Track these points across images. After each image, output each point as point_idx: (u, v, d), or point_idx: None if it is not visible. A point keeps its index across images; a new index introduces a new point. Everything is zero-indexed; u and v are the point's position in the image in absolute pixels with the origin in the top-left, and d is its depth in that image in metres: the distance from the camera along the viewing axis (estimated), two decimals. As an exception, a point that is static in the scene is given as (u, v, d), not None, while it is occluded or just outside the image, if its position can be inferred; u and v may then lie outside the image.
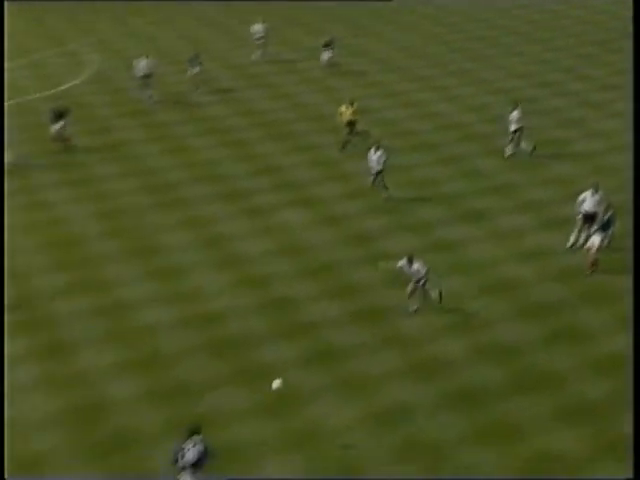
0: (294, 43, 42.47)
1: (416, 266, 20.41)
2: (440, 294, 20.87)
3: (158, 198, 26.87)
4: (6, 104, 31.76)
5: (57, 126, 29.41)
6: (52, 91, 35.38)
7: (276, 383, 17.16)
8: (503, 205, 26.52)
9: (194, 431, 14.77)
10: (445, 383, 18.43)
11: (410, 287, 20.54)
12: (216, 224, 25.44)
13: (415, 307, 20.73)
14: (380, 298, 21.46)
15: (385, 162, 26.76)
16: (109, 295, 21.63)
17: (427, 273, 20.41)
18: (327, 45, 39.13)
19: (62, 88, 35.82)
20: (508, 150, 29.75)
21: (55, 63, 39.49)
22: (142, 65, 34.23)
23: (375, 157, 26.86)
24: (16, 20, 43.99)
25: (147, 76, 34.13)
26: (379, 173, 26.79)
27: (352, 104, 29.88)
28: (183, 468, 14.60)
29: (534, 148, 29.83)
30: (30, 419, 17.30)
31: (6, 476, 15.18)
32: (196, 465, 14.52)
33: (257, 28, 39.80)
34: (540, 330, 20.14)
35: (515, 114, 29.53)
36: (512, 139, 29.71)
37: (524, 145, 29.82)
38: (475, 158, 29.88)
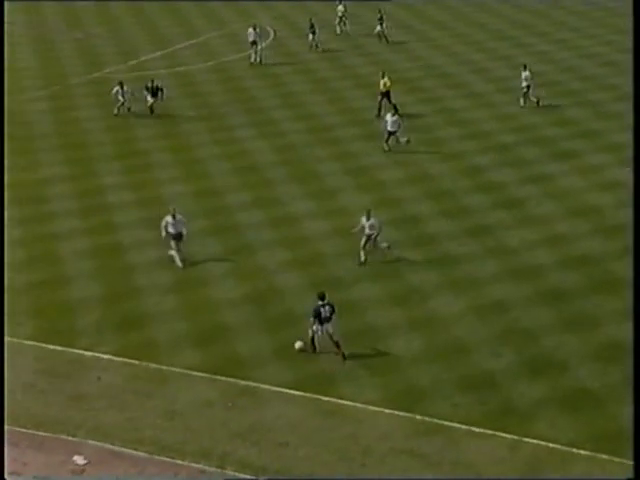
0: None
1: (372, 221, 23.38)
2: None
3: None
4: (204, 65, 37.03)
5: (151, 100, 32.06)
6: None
7: (298, 344, 19.77)
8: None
9: (323, 295, 19.68)
10: (536, 284, 22.12)
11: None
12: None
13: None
14: (483, 218, 25.47)
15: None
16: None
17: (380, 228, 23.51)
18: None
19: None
20: None
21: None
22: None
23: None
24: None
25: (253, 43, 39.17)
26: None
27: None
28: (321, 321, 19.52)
29: None
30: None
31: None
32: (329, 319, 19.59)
33: None
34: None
35: None
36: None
37: None
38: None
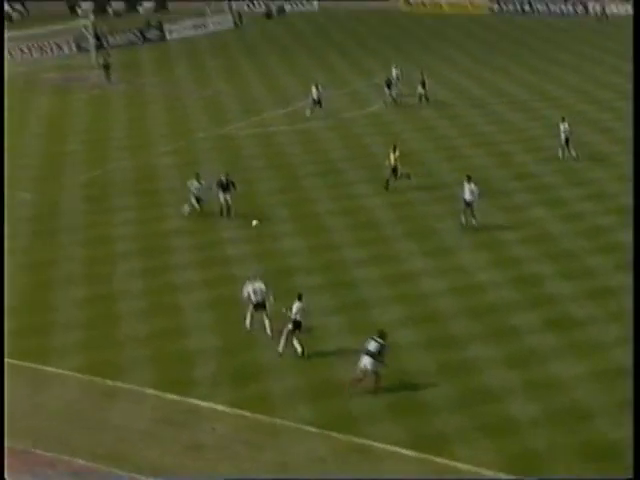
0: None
1: None
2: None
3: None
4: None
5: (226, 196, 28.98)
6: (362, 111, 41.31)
7: (254, 223, 23.24)
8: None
9: (382, 333, 19.94)
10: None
11: None
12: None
13: None
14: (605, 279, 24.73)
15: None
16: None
17: None
18: None
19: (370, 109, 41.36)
20: None
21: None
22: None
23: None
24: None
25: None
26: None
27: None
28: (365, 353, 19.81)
29: None
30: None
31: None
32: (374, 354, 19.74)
33: None
34: None
35: None
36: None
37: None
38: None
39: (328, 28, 63.61)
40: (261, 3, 70.06)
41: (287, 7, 69.51)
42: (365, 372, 19.62)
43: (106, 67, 48.03)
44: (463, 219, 28.18)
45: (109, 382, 20.27)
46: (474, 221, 28.05)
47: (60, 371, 20.71)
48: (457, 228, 28.20)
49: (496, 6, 67.37)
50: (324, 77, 47.60)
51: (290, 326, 21.24)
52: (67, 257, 26.75)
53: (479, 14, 66.61)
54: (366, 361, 19.66)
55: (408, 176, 31.06)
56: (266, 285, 22.24)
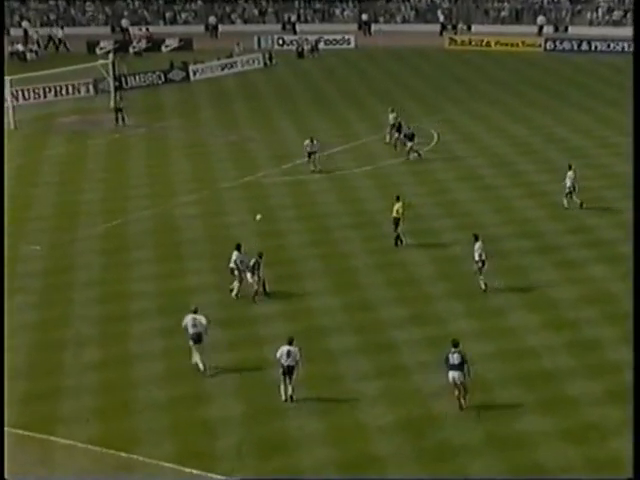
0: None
1: None
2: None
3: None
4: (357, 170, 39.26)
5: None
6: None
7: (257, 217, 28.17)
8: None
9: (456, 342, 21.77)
10: None
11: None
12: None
13: None
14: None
15: None
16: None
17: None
18: None
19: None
20: None
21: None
22: None
23: None
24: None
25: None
26: None
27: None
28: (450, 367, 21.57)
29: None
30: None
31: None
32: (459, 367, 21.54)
33: None
34: None
35: None
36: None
37: None
38: None
39: (366, 68, 64.27)
40: (293, 41, 71.43)
41: (321, 45, 70.61)
42: (458, 385, 21.38)
43: (118, 110, 48.62)
44: (482, 283, 27.84)
45: (123, 454, 20.20)
46: (482, 283, 27.63)
47: (70, 442, 20.68)
48: (506, 286, 28.05)
49: (550, 44, 67.80)
50: (360, 121, 48.20)
51: (280, 371, 21.78)
52: (80, 315, 26.93)
53: (531, 52, 67.09)
54: (455, 374, 21.45)
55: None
56: (207, 318, 23.71)
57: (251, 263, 27.55)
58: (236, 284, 27.71)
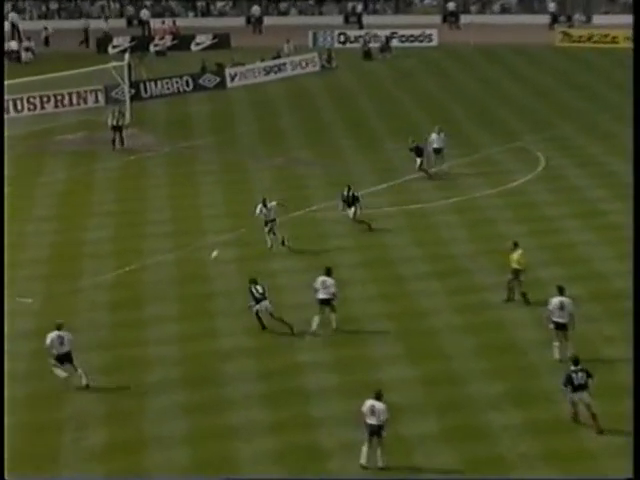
0: None
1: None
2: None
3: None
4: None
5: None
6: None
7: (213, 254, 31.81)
8: None
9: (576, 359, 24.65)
10: None
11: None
12: None
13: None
14: None
15: None
16: None
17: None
18: None
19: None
20: None
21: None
22: None
23: None
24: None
25: None
26: None
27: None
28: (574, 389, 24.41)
29: None
30: None
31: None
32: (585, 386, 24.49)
33: None
34: None
35: None
36: None
37: None
38: None
39: (452, 72, 64.61)
40: (359, 38, 72.07)
41: (394, 43, 71.14)
42: (587, 406, 24.32)
43: (116, 129, 48.62)
44: (557, 352, 27.84)
45: None
46: (556, 351, 27.79)
47: None
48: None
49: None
50: (443, 139, 48.27)
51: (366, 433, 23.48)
52: (81, 389, 27.06)
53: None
54: (583, 395, 24.27)
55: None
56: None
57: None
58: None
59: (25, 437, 25.02)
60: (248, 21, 79.26)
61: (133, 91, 56.29)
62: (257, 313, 29.88)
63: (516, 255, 31.45)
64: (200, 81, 61.41)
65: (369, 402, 23.52)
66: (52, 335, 27.05)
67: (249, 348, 29.01)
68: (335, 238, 37.01)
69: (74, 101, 56.27)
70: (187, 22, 78.41)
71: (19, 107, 54.30)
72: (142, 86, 58.87)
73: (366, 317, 30.68)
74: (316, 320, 29.73)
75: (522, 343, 28.99)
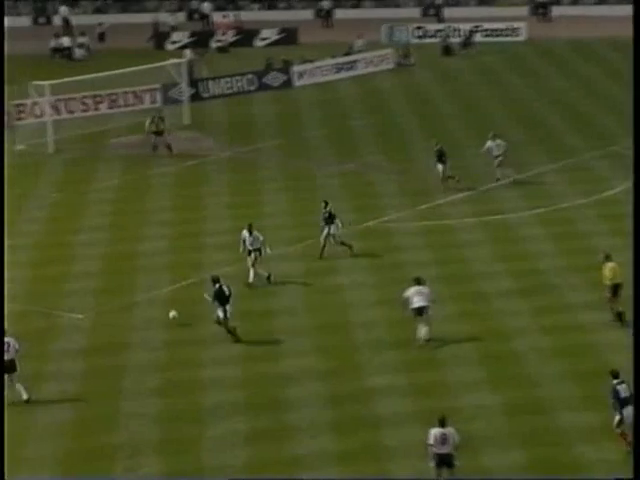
0: None
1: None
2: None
3: None
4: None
5: None
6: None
7: (172, 314, 31.48)
8: None
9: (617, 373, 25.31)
10: None
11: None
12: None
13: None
14: None
15: None
16: None
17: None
18: None
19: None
20: None
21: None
22: None
23: None
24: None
25: None
26: None
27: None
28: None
29: None
30: None
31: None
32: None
33: None
34: None
35: None
36: None
37: None
38: None
39: (541, 69, 64.39)
40: (438, 32, 71.99)
41: (477, 37, 71.02)
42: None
43: (156, 134, 49.17)
44: None
45: None
46: None
47: None
48: None
49: None
50: (531, 144, 48.34)
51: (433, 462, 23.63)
52: (132, 414, 27.22)
53: None
54: (629, 410, 24.72)
55: None
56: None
57: None
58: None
59: (74, 464, 25.26)
60: (317, 14, 79.63)
61: (192, 90, 56.85)
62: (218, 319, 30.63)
63: (607, 269, 31.16)
64: (264, 80, 61.82)
65: (436, 430, 23.42)
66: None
67: (316, 370, 29.07)
68: (410, 251, 37.00)
69: (129, 101, 56.88)
70: (251, 15, 78.98)
71: (71, 108, 55.06)
72: (202, 85, 59.41)
73: (444, 338, 30.52)
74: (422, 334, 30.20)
75: (617, 369, 28.72)
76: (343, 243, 36.61)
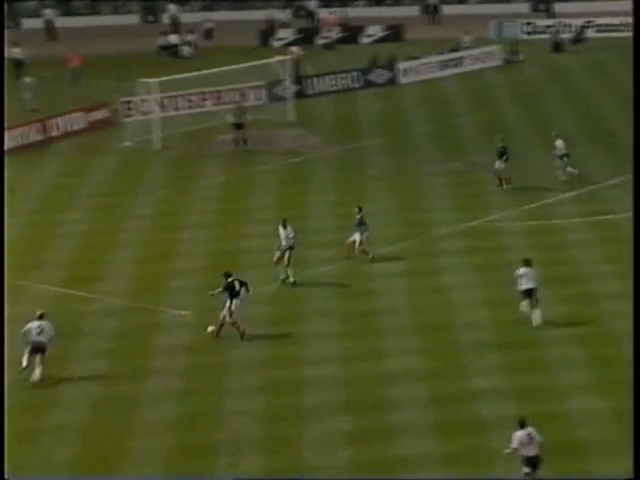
0: None
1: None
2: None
3: None
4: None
5: None
6: None
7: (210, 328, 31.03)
8: None
9: None
10: None
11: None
12: None
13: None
14: None
15: None
16: None
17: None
18: None
19: None
20: None
21: None
22: None
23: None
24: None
25: None
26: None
27: None
28: None
29: None
30: None
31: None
32: None
33: None
34: None
35: None
36: None
37: None
38: None
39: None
40: (548, 28, 71.11)
41: (589, 33, 70.16)
42: None
43: (238, 127, 49.56)
44: None
45: None
46: None
47: None
48: None
49: None
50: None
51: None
52: (236, 412, 27.42)
53: None
54: None
55: None
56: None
57: None
58: None
59: (177, 459, 25.50)
60: (424, 10, 79.30)
61: (297, 88, 57.07)
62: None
63: None
64: (370, 77, 61.70)
65: (520, 433, 23.26)
66: (32, 324, 29.01)
67: (419, 371, 29.00)
68: (515, 251, 36.42)
69: (234, 98, 57.12)
70: (357, 12, 78.90)
71: (178, 105, 55.61)
72: (307, 82, 59.63)
73: (551, 340, 30.32)
74: (524, 305, 30.71)
75: None
76: (365, 251, 36.28)
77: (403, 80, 62.13)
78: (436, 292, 33.75)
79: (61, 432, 26.47)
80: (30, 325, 29.05)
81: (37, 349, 28.87)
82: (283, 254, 34.80)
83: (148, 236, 37.81)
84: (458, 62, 64.48)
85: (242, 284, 31.16)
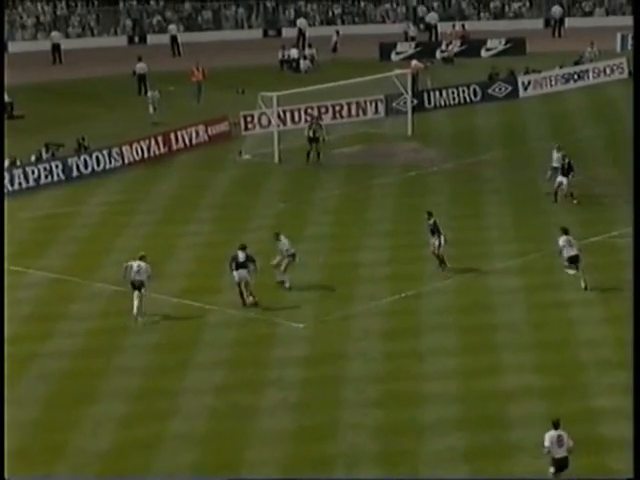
0: None
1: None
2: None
3: None
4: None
5: None
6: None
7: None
8: None
9: None
10: None
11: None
12: None
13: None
14: None
15: None
16: None
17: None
18: None
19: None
20: None
21: None
22: None
23: None
24: None
25: None
26: None
27: None
28: None
29: None
30: None
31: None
32: None
33: None
34: None
35: None
36: None
37: None
38: None
39: None
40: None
41: None
42: None
43: (313, 141, 49.60)
44: None
45: None
46: None
47: None
48: None
49: None
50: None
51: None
52: (352, 424, 27.37)
53: None
54: None
55: None
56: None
57: None
58: None
59: (294, 470, 25.60)
60: (547, 23, 78.70)
61: (416, 101, 56.99)
62: (238, 285, 33.96)
63: None
64: (489, 90, 61.40)
65: (552, 433, 23.48)
66: (133, 263, 33.25)
67: (538, 388, 28.74)
68: (638, 267, 36.20)
69: (353, 112, 57.34)
70: (478, 25, 78.66)
71: (296, 118, 55.83)
72: (426, 96, 59.54)
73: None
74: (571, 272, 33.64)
75: None
76: (442, 259, 36.23)
77: (524, 94, 61.73)
78: (555, 308, 33.36)
79: (180, 440, 26.76)
80: (131, 263, 33.30)
81: (135, 286, 32.93)
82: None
83: (267, 247, 37.94)
84: (581, 75, 63.87)
85: (249, 258, 33.86)
